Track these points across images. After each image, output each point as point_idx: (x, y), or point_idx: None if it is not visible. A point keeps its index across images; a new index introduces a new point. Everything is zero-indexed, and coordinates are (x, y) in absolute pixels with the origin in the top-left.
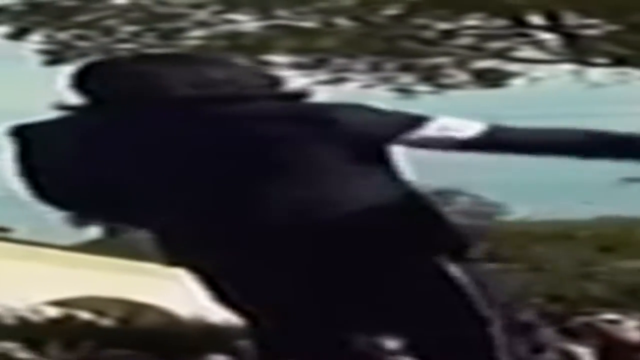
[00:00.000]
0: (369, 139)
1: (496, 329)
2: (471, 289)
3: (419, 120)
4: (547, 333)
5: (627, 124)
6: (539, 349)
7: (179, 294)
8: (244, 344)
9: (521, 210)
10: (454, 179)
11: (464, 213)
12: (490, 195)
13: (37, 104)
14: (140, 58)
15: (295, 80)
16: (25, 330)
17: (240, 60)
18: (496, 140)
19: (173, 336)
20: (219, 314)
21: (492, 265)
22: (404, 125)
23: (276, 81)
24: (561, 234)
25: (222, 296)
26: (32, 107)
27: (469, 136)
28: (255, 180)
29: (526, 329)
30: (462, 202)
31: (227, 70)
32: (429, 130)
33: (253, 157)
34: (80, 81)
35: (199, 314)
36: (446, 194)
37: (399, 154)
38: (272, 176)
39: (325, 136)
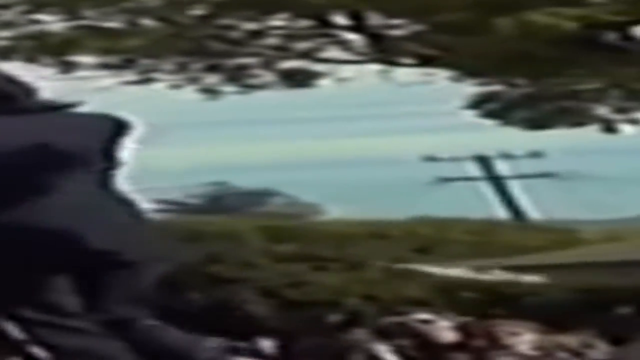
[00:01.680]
0: None
1: None
2: None
3: None
4: (358, 334)
5: (433, 123)
6: (347, 350)
7: None
8: None
9: (335, 210)
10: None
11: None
12: (306, 196)
13: None
14: None
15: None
16: None
17: None
18: None
19: None
20: None
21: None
22: None
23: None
24: (376, 234)
25: None
26: None
27: None
28: None
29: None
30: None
31: None
32: None
33: None
34: None
35: None
36: (259, 195)
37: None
38: None
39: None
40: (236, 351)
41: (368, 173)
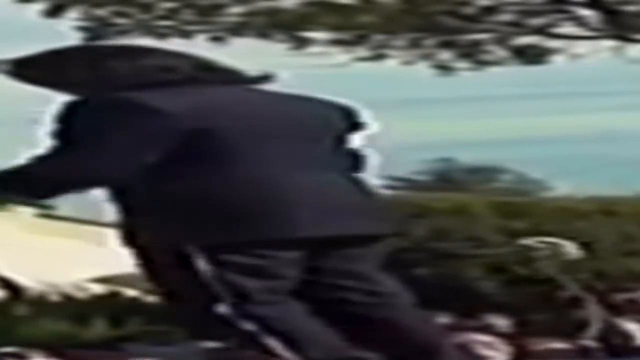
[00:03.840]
0: None
1: None
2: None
3: None
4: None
5: None
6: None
7: None
8: None
9: (563, 186)
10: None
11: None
12: (534, 172)
13: None
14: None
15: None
16: (70, 307)
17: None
18: None
19: None
20: None
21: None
22: None
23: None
24: (604, 210)
25: None
26: None
27: None
28: None
29: None
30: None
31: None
32: None
33: None
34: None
35: None
36: (487, 171)
37: None
38: None
39: None
40: (467, 328)
41: (597, 149)
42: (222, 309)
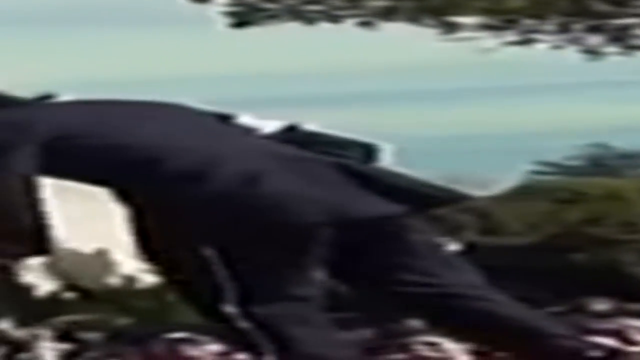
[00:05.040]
0: None
1: None
2: None
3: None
4: None
5: None
6: None
7: None
8: None
9: None
10: None
11: None
12: None
13: (224, 68)
14: None
15: None
16: None
17: None
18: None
19: None
20: None
21: None
22: None
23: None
24: None
25: None
26: (220, 71)
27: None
28: None
29: None
30: None
31: None
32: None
33: None
34: None
35: None
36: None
37: None
38: None
39: None
40: (623, 313)
41: None
42: (228, 307)
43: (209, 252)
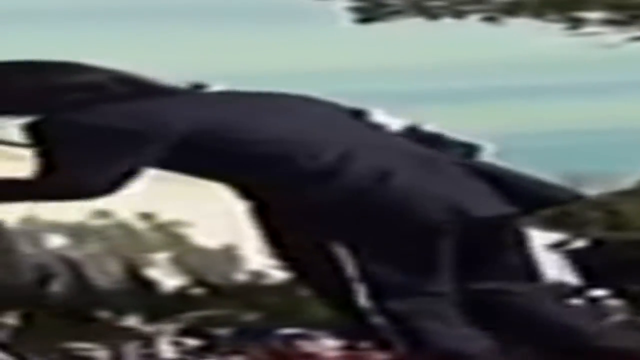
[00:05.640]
0: None
1: None
2: None
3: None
4: None
5: None
6: None
7: None
8: None
9: None
10: None
11: None
12: None
13: (350, 64)
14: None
15: None
16: None
17: None
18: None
19: None
20: None
21: None
22: None
23: None
24: None
25: None
26: (346, 67)
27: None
28: None
29: None
30: None
31: None
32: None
33: None
34: None
35: None
36: None
37: None
38: None
39: None
40: None
41: None
42: (363, 302)
43: (340, 247)
